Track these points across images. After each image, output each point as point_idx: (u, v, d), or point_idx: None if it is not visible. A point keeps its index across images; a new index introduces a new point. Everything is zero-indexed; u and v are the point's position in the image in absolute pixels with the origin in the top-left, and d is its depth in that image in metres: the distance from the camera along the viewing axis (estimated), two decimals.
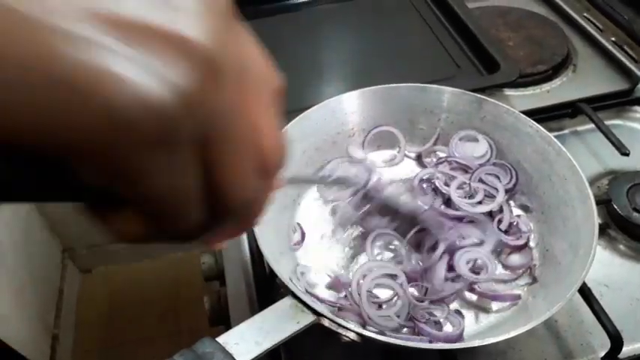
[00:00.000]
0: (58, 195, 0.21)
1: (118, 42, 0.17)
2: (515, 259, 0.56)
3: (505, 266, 0.56)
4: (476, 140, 0.64)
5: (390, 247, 0.58)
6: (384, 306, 0.53)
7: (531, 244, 0.57)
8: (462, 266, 0.54)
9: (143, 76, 0.18)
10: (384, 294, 0.54)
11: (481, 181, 0.61)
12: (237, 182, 0.22)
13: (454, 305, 0.53)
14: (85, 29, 0.17)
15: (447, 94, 0.64)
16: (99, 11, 0.17)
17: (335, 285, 0.54)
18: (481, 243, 0.56)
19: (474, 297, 0.54)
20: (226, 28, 0.21)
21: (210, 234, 0.25)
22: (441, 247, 0.55)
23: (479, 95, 0.63)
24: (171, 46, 0.18)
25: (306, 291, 0.53)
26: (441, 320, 0.51)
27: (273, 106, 0.25)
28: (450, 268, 0.55)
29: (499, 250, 0.57)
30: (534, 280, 0.54)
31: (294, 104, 0.56)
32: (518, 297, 0.53)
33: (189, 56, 0.19)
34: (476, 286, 0.53)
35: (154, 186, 0.20)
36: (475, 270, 0.54)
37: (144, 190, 0.19)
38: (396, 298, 0.53)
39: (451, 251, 0.55)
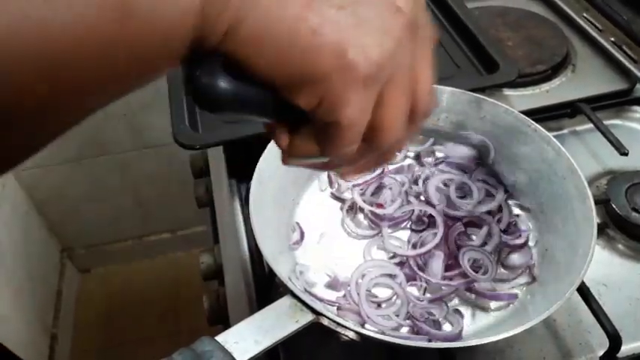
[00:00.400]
0: (271, 112, 0.28)
1: (350, 11, 0.25)
2: (515, 258, 0.56)
3: (504, 265, 0.56)
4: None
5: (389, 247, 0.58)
6: (383, 305, 0.53)
7: (530, 243, 0.57)
8: (465, 264, 0.54)
9: (366, 36, 0.25)
10: (383, 293, 0.54)
11: (481, 180, 0.61)
12: (394, 122, 0.29)
13: (453, 304, 0.53)
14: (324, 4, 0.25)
15: (447, 93, 0.64)
16: None
17: (334, 284, 0.54)
18: (483, 243, 0.56)
19: (472, 296, 0.54)
20: None
21: (355, 163, 0.31)
22: (439, 234, 0.55)
23: (478, 95, 0.63)
24: (386, 14, 0.26)
25: (305, 290, 0.53)
26: (440, 319, 0.51)
27: (431, 57, 0.30)
28: (449, 267, 0.55)
29: (498, 250, 0.57)
30: (533, 279, 0.55)
31: None
32: (515, 296, 0.53)
33: (396, 22, 0.26)
34: (473, 285, 0.53)
35: (346, 113, 0.26)
36: (474, 268, 0.54)
37: (338, 114, 0.26)
38: (395, 297, 0.53)
39: (450, 249, 0.55)
